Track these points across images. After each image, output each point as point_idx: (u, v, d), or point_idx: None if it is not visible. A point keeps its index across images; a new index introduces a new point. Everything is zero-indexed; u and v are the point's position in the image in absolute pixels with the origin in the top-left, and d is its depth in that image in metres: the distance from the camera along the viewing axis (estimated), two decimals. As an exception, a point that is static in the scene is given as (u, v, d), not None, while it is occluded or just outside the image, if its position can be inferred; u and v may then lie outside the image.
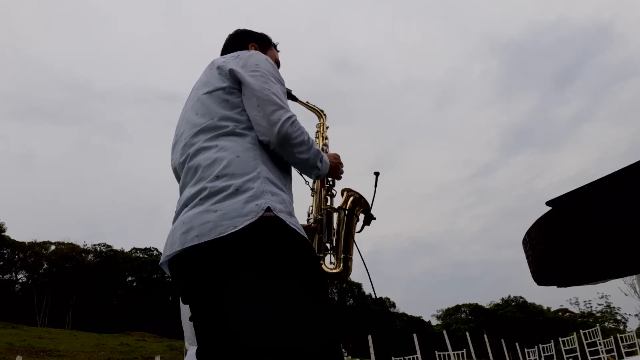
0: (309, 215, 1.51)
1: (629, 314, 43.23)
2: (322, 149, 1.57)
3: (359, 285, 50.58)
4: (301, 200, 1.26)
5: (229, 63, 1.23)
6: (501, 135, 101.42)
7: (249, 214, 0.99)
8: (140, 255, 46.71)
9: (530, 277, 0.72)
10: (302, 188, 1.44)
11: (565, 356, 12.86)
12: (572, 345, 12.85)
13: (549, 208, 0.62)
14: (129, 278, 45.06)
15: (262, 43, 1.53)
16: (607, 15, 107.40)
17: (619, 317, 44.45)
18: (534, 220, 0.66)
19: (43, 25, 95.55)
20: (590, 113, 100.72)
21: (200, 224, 1.01)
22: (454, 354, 12.02)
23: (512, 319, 45.82)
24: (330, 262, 1.48)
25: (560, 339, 13.24)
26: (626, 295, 26.13)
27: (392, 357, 11.78)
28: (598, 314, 45.98)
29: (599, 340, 11.85)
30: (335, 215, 1.52)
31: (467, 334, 14.17)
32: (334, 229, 1.51)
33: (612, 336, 12.75)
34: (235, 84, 1.20)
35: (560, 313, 51.86)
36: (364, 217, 1.56)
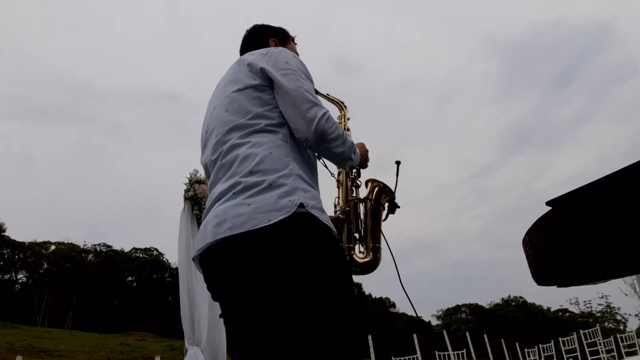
0: (335, 206, 1.54)
1: (629, 314, 43.25)
2: None
3: (358, 285, 50.62)
4: (325, 192, 1.27)
5: (259, 61, 1.23)
6: (501, 135, 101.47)
7: (282, 209, 1.01)
8: (140, 255, 46.70)
9: (530, 277, 0.72)
10: (324, 180, 1.45)
11: (565, 356, 12.86)
12: (572, 345, 12.84)
13: (549, 208, 0.62)
14: (129, 278, 45.04)
15: (281, 37, 1.53)
16: (607, 16, 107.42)
17: (619, 317, 44.48)
18: (534, 220, 0.66)
19: (43, 25, 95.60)
20: (590, 113, 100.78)
21: (233, 217, 1.02)
22: (454, 354, 12.02)
23: (512, 319, 45.81)
24: (360, 252, 1.51)
25: (560, 339, 13.24)
26: (626, 295, 26.13)
27: (392, 357, 11.78)
28: (598, 314, 45.98)
29: (599, 340, 11.85)
30: (361, 205, 1.55)
31: (467, 334, 14.17)
32: (361, 219, 1.54)
33: (612, 336, 12.75)
34: (266, 81, 1.21)
35: (560, 313, 51.85)
36: (389, 206, 1.58)
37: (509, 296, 52.41)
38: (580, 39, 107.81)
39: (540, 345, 13.57)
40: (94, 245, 44.98)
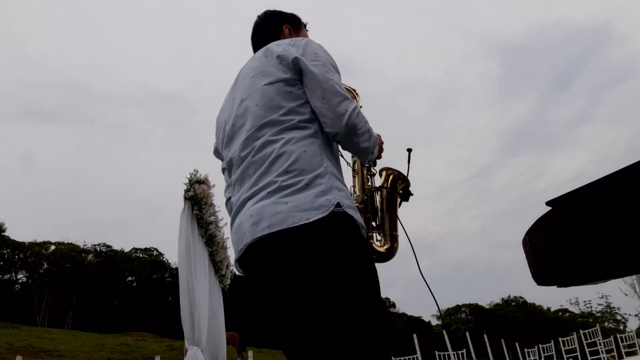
0: (351, 195, 1.54)
1: (629, 314, 43.24)
2: None
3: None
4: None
5: (289, 52, 1.20)
6: (500, 136, 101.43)
7: (320, 208, 1.01)
8: (140, 255, 46.66)
9: (530, 277, 0.72)
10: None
11: (565, 356, 12.86)
12: (572, 345, 12.84)
13: (549, 208, 0.62)
14: (129, 278, 45.01)
15: (295, 24, 1.50)
16: (605, 17, 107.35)
17: (619, 317, 44.46)
18: (533, 221, 0.66)
19: (44, 27, 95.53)
20: (589, 114, 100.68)
21: (271, 215, 1.02)
22: (453, 354, 12.02)
23: (512, 319, 45.79)
24: (377, 240, 1.53)
25: (560, 339, 13.23)
26: (626, 295, 26.11)
27: (392, 357, 11.78)
28: (598, 314, 45.96)
29: (599, 340, 11.84)
30: (377, 194, 1.56)
31: (467, 334, 14.16)
32: (377, 207, 1.55)
33: (612, 336, 12.75)
34: (296, 74, 1.19)
35: (560, 313, 51.83)
36: (402, 193, 1.59)
37: (509, 296, 52.43)
38: (579, 40, 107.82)
39: (540, 345, 13.57)
40: (94, 245, 45.00)
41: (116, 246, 46.16)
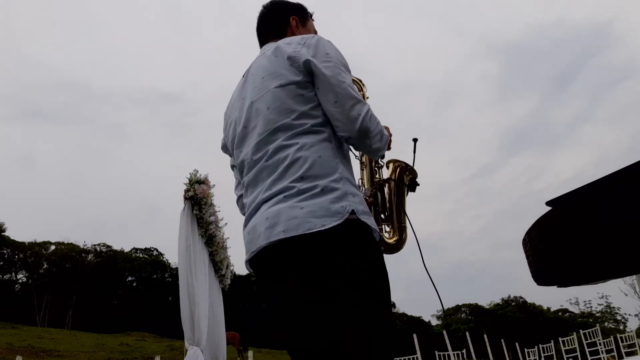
0: (360, 188, 1.55)
1: (629, 314, 43.20)
2: None
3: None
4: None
5: (300, 53, 1.18)
6: (500, 136, 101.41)
7: (335, 215, 1.02)
8: (140, 255, 46.66)
9: (530, 277, 0.72)
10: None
11: (565, 356, 12.86)
12: (572, 345, 12.84)
13: (549, 208, 0.62)
14: (129, 278, 45.00)
15: (302, 15, 1.46)
16: (605, 17, 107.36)
17: (619, 317, 44.43)
18: (533, 221, 0.66)
19: (44, 27, 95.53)
20: (588, 114, 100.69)
21: (286, 220, 1.03)
22: (453, 354, 12.02)
23: (512, 319, 45.78)
24: (386, 232, 1.54)
25: (560, 339, 13.24)
26: (626, 295, 26.11)
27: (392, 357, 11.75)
28: (598, 314, 45.94)
29: (599, 340, 11.84)
30: (385, 186, 1.57)
31: (467, 334, 14.16)
32: (386, 199, 1.56)
33: (612, 336, 12.75)
34: (308, 77, 1.17)
35: (560, 313, 51.82)
36: (409, 184, 1.60)
37: (509, 296, 52.41)
38: (578, 40, 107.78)
39: (540, 345, 13.57)
40: (94, 245, 44.97)
41: (116, 246, 46.20)
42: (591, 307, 47.47)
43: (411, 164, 1.60)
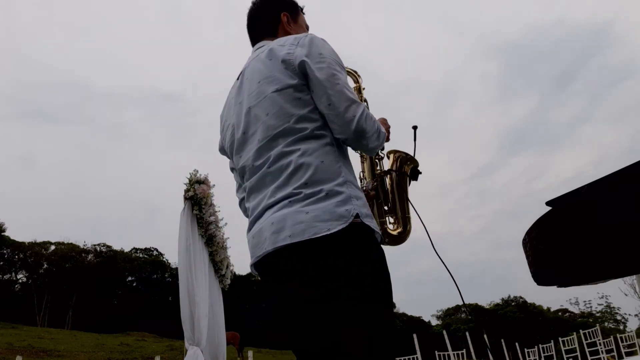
0: (361, 180, 1.55)
1: (629, 314, 43.22)
2: None
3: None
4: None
5: (294, 55, 1.17)
6: (500, 136, 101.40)
7: (340, 219, 1.03)
8: (140, 255, 46.66)
9: (530, 277, 0.72)
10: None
11: (565, 356, 12.86)
12: (572, 345, 12.84)
13: (549, 208, 0.62)
14: (129, 278, 45.00)
15: (293, 11, 1.44)
16: (605, 17, 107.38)
17: (619, 317, 44.45)
18: (533, 221, 0.66)
19: (43, 27, 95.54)
20: (589, 114, 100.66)
21: (292, 225, 1.03)
22: (453, 354, 12.02)
23: (512, 319, 45.79)
24: (390, 223, 1.54)
25: (560, 339, 13.24)
26: (626, 295, 26.13)
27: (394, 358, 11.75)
28: (598, 314, 45.96)
29: (599, 340, 11.84)
30: (387, 177, 1.57)
31: (467, 334, 14.17)
32: (387, 190, 1.56)
33: (612, 336, 12.75)
34: (303, 79, 1.16)
35: (560, 313, 51.82)
36: (410, 173, 1.59)
37: (509, 296, 52.41)
38: (578, 40, 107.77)
39: (540, 345, 13.57)
40: (94, 245, 44.97)
41: (116, 246, 46.20)
42: (591, 307, 47.53)
43: (412, 154, 1.60)
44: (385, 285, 1.06)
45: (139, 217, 79.93)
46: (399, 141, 1.60)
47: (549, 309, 51.66)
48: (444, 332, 13.30)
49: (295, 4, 1.46)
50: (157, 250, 47.69)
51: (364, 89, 1.62)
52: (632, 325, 41.27)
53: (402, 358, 11.31)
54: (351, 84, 1.61)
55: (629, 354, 12.05)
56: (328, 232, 1.01)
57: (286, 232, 1.04)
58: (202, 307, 4.05)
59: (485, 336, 14.47)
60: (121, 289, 43.58)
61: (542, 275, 0.69)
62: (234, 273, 6.10)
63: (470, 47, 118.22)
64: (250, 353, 10.10)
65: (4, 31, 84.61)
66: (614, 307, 44.84)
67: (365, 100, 1.60)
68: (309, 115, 1.15)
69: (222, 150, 1.43)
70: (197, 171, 4.58)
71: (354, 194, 1.10)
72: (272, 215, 1.09)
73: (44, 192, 70.07)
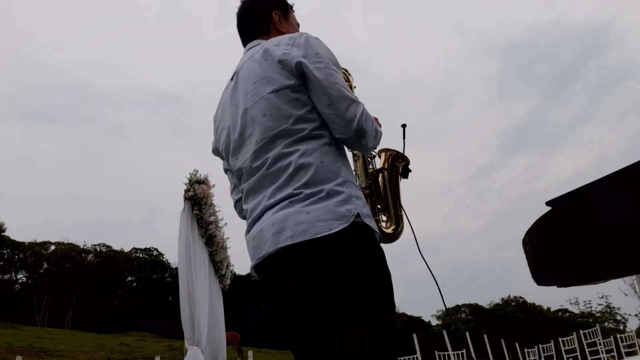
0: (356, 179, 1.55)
1: (629, 314, 43.22)
2: None
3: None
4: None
5: (290, 55, 1.16)
6: (500, 137, 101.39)
7: (341, 218, 1.03)
8: (140, 256, 46.66)
9: (530, 277, 0.72)
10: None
11: (565, 356, 12.86)
12: (572, 345, 12.85)
13: (549, 208, 0.62)
14: (129, 278, 44.99)
15: (283, 8, 1.42)
16: (605, 18, 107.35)
17: (618, 317, 44.45)
18: (533, 221, 0.66)
19: (44, 27, 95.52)
20: (588, 114, 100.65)
21: (293, 225, 1.03)
22: (453, 354, 12.02)
23: (512, 319, 45.78)
24: (383, 221, 1.55)
25: (560, 339, 13.24)
26: (626, 295, 26.17)
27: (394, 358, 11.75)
28: (598, 314, 45.96)
29: (599, 340, 11.85)
30: (379, 175, 1.59)
31: (467, 334, 14.17)
32: (380, 188, 1.57)
33: (612, 336, 12.76)
34: (301, 79, 1.15)
35: (560, 313, 51.82)
36: (401, 171, 1.61)
37: (509, 296, 52.39)
38: (578, 40, 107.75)
39: (540, 345, 13.57)
40: (94, 245, 44.97)
41: (116, 246, 46.21)
42: (591, 307, 47.53)
43: (402, 151, 1.61)
44: (386, 285, 1.06)
45: (139, 217, 79.99)
46: (393, 140, 1.61)
47: (549, 309, 51.68)
48: (444, 332, 13.30)
49: (286, 2, 1.45)
50: (157, 250, 47.74)
51: (354, 87, 1.63)
52: (632, 325, 41.30)
53: (402, 358, 11.31)
54: None
55: (629, 354, 12.05)
56: (330, 232, 1.00)
57: (287, 232, 1.03)
58: (202, 307, 4.06)
59: (485, 336, 14.47)
60: (121, 289, 43.57)
61: (542, 275, 0.69)
62: (234, 273, 6.10)
63: (470, 47, 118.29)
64: (250, 353, 10.10)
65: (4, 31, 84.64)
66: (614, 307, 44.86)
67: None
68: (307, 116, 1.14)
69: (216, 152, 1.42)
70: (197, 171, 4.58)
71: (354, 193, 1.10)
72: (272, 216, 1.08)
73: (44, 192, 70.11)
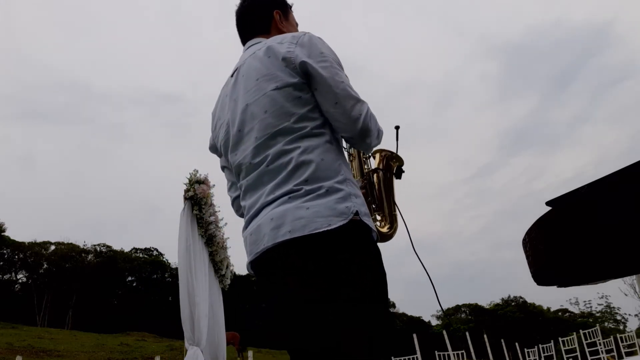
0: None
1: (629, 314, 43.23)
2: None
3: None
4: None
5: (294, 53, 1.15)
6: (500, 137, 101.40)
7: (341, 215, 1.03)
8: (140, 255, 46.65)
9: (530, 277, 0.72)
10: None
11: (565, 356, 12.86)
12: (572, 345, 12.85)
13: (549, 208, 0.62)
14: (129, 278, 44.99)
15: (283, 8, 1.42)
16: (605, 18, 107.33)
17: (618, 317, 44.45)
18: (533, 221, 0.66)
19: (44, 28, 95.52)
20: (588, 114, 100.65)
21: (292, 220, 1.03)
22: (453, 354, 12.02)
23: (512, 319, 45.77)
24: (377, 220, 1.57)
25: (560, 339, 13.24)
26: (626, 295, 26.17)
27: (392, 357, 11.75)
28: (598, 314, 45.96)
29: (599, 340, 11.85)
30: (374, 176, 1.60)
31: (467, 334, 14.17)
32: (375, 188, 1.58)
33: (612, 336, 12.76)
34: (304, 78, 1.15)
35: (560, 313, 51.82)
36: (395, 171, 1.62)
37: (509, 296, 52.41)
38: (578, 40, 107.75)
39: (540, 345, 13.57)
40: (94, 245, 44.98)
41: (116, 246, 46.21)
42: (591, 307, 47.54)
43: (395, 152, 1.62)
44: (381, 284, 1.06)
45: (139, 217, 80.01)
46: (400, 143, 1.62)
47: (549, 309, 51.68)
48: (444, 332, 13.29)
49: (286, 2, 1.45)
50: (157, 250, 47.74)
51: None
52: (632, 325, 41.31)
53: (402, 358, 11.31)
54: None
55: (629, 354, 12.05)
56: (329, 228, 1.00)
57: (286, 227, 1.03)
58: (202, 307, 4.05)
59: (485, 336, 14.47)
60: (121, 289, 43.57)
61: (542, 275, 0.69)
62: (234, 273, 6.10)
63: (470, 47, 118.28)
64: (250, 353, 10.10)
65: (4, 31, 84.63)
66: (614, 307, 44.87)
67: None
68: (309, 115, 1.14)
69: (213, 148, 1.41)
70: (197, 171, 4.58)
71: (354, 192, 1.10)
72: (271, 212, 1.08)
73: (44, 192, 70.12)
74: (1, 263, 40.34)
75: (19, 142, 73.13)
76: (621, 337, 12.28)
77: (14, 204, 64.64)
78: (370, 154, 1.62)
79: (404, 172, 1.62)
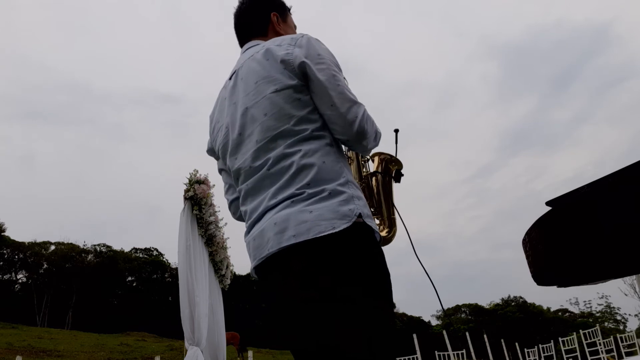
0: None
1: (629, 314, 43.27)
2: None
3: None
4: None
5: (293, 55, 1.15)
6: (500, 137, 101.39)
7: (344, 218, 1.02)
8: (140, 256, 46.66)
9: (530, 277, 0.72)
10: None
11: (565, 356, 12.87)
12: (572, 345, 12.85)
13: (549, 208, 0.62)
14: (129, 278, 44.98)
15: (282, 10, 1.42)
16: (605, 18, 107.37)
17: (618, 317, 44.48)
18: (533, 221, 0.66)
19: (43, 28, 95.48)
20: (588, 115, 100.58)
21: (296, 224, 1.02)
22: (453, 354, 12.02)
23: (512, 319, 45.77)
24: (376, 224, 1.56)
25: (560, 339, 13.25)
26: (626, 295, 26.22)
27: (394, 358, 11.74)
28: (598, 314, 45.98)
29: (599, 340, 11.85)
30: (373, 179, 1.59)
31: (467, 334, 14.16)
32: (374, 192, 1.57)
33: (612, 336, 12.76)
34: (303, 80, 1.15)
35: (560, 313, 51.82)
36: (394, 175, 1.61)
37: (509, 296, 52.42)
38: (578, 41, 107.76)
39: (540, 345, 13.57)
40: (94, 245, 45.00)
41: (116, 246, 46.25)
42: (591, 307, 47.58)
43: (394, 155, 1.62)
44: (385, 286, 1.06)
45: (139, 217, 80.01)
46: (400, 143, 1.61)
47: (549, 309, 51.68)
48: (444, 332, 13.29)
49: (284, 4, 1.45)
50: (157, 250, 47.75)
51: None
52: (632, 325, 41.33)
53: (402, 358, 11.30)
54: None
55: (629, 354, 12.06)
56: (333, 231, 1.00)
57: (290, 231, 1.02)
58: (202, 307, 4.05)
59: (485, 336, 14.46)
60: (121, 289, 43.56)
61: (542, 275, 0.69)
62: (234, 273, 6.10)
63: (471, 48, 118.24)
64: (250, 353, 10.09)
65: (4, 31, 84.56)
66: (614, 307, 44.89)
67: None
68: (309, 117, 1.14)
69: (211, 152, 1.40)
70: (197, 171, 4.58)
71: (356, 194, 1.10)
72: (274, 216, 1.07)
73: (44, 192, 70.12)
74: (1, 263, 40.33)
75: (19, 142, 73.18)
76: (621, 337, 12.28)
77: (14, 204, 64.69)
78: (369, 157, 1.61)
79: (403, 175, 1.61)
